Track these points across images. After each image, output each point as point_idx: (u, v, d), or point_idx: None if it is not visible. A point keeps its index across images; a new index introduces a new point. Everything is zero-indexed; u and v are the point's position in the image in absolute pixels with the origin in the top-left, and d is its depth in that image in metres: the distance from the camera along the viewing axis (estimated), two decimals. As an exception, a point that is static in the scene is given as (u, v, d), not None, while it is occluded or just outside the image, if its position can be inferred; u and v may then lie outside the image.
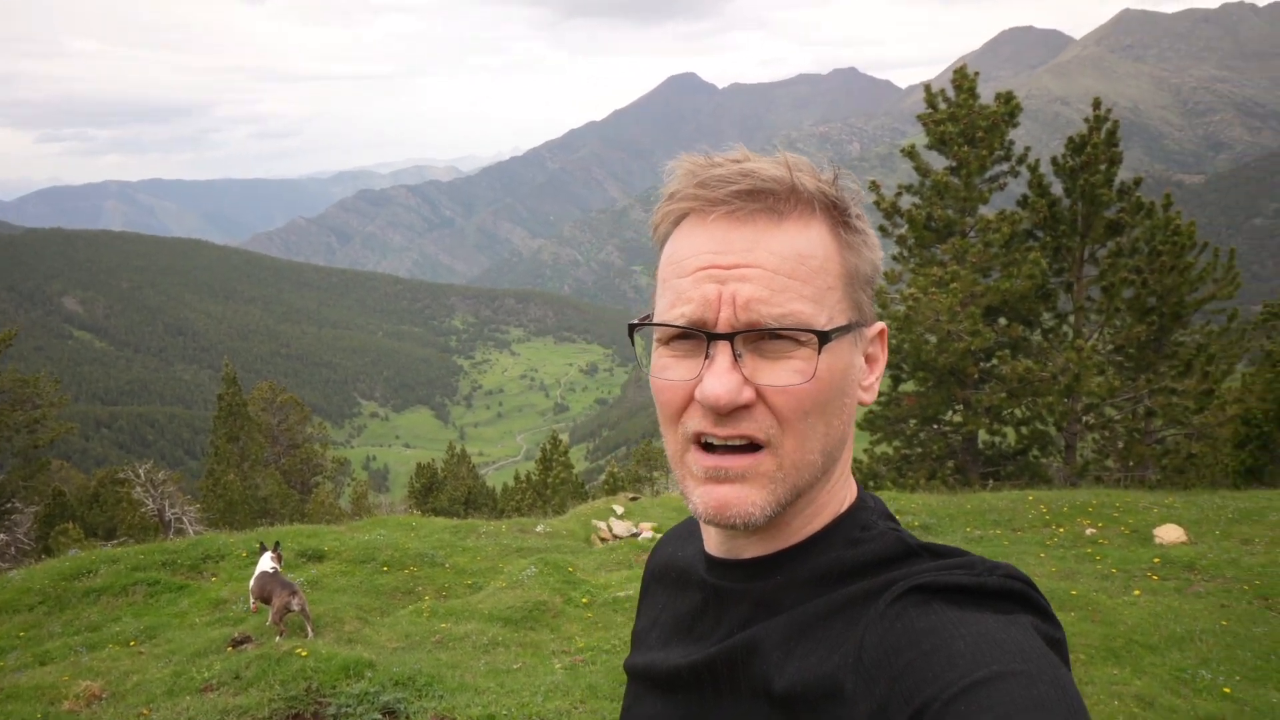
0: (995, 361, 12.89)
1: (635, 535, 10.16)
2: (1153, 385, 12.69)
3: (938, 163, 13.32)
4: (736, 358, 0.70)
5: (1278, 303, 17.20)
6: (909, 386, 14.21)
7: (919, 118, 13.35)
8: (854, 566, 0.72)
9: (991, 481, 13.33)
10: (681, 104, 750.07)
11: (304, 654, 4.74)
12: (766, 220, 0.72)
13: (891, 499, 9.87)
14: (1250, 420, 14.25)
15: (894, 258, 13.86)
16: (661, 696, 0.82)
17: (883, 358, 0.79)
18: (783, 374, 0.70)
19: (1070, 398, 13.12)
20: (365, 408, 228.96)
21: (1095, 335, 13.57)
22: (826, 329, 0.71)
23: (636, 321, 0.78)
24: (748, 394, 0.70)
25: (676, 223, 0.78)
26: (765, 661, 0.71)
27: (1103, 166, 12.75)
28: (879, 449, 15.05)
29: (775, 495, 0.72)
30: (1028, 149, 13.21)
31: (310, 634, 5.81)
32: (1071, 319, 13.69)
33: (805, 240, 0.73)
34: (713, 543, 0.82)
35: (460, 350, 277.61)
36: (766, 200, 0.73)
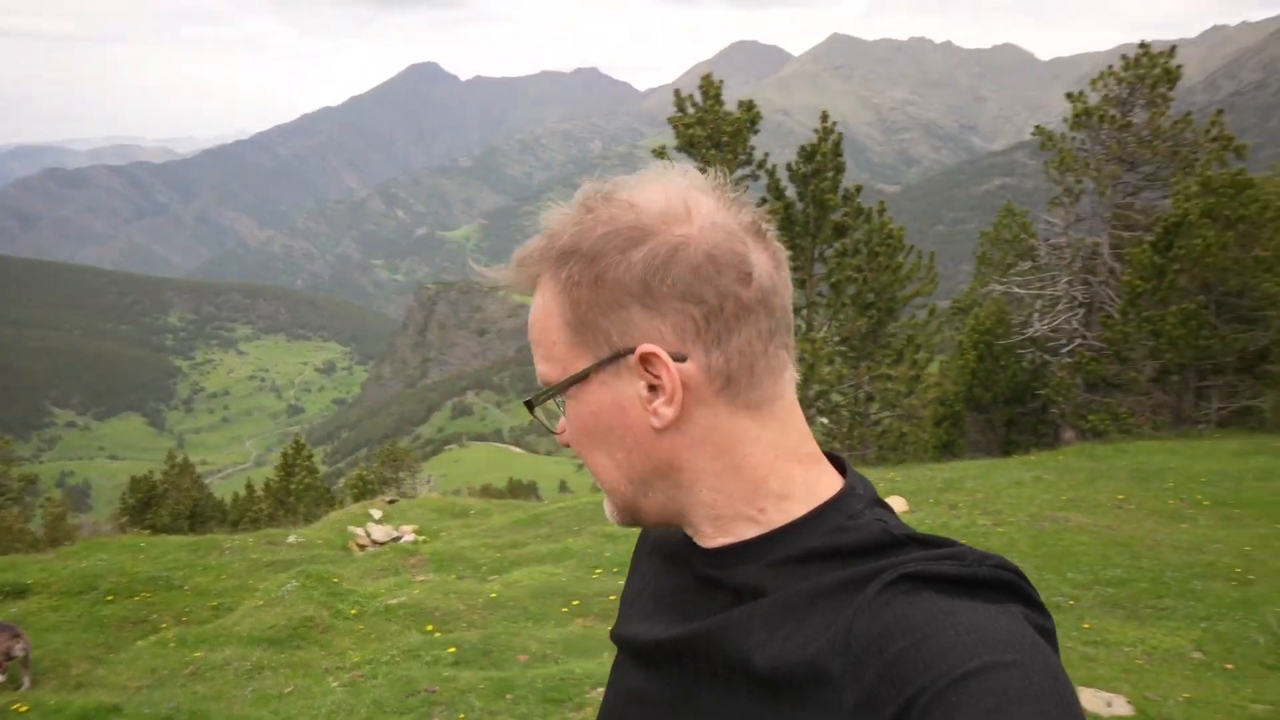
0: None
1: (397, 539, 9.78)
2: (872, 372, 14.21)
3: (686, 164, 13.94)
4: (533, 414, 0.82)
5: (963, 299, 19.90)
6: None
7: (670, 120, 13.96)
8: (840, 552, 0.71)
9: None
10: (424, 93, 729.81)
11: (24, 709, 4.07)
12: (535, 294, 0.79)
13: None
14: (945, 401, 16.35)
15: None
16: (645, 669, 0.83)
17: (665, 379, 0.73)
18: (554, 420, 0.81)
19: (805, 386, 14.34)
20: (59, 417, 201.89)
21: (825, 327, 14.94)
22: (538, 392, 0.79)
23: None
24: (562, 436, 0.81)
25: None
26: (748, 641, 0.71)
27: (830, 174, 14.07)
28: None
29: (613, 505, 0.81)
30: (766, 154, 14.26)
31: (26, 684, 5.00)
32: (805, 313, 14.97)
33: (536, 305, 0.78)
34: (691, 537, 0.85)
35: (178, 350, 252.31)
36: (523, 275, 0.79)
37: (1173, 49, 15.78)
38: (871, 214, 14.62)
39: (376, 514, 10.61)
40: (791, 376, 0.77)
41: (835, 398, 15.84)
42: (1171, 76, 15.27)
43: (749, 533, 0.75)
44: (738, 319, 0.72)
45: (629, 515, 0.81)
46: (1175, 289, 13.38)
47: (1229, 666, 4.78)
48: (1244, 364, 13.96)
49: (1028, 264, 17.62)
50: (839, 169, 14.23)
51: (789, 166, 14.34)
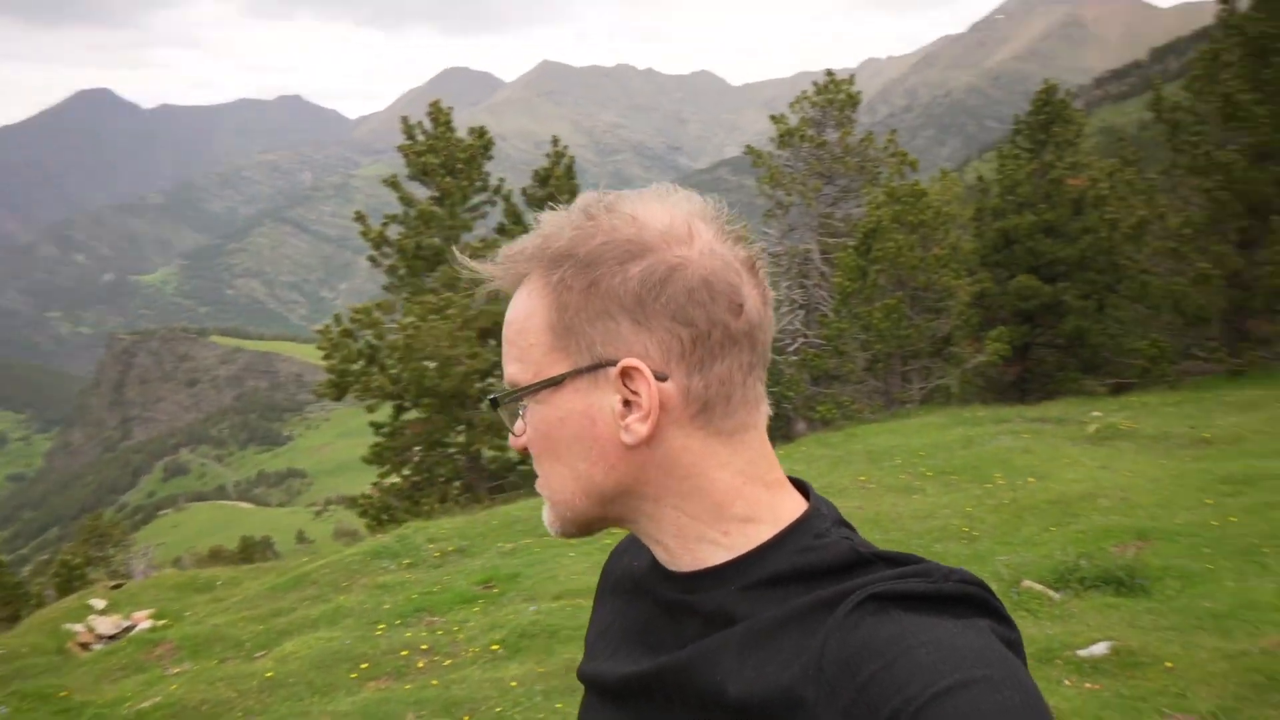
0: (492, 380, 13.64)
1: (130, 629, 8.56)
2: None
3: (421, 192, 13.67)
4: (495, 412, 0.82)
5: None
6: (413, 415, 14.28)
7: (400, 149, 13.56)
8: (808, 575, 0.71)
9: (495, 496, 14.05)
10: (98, 123, 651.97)
11: None
12: (516, 294, 0.79)
13: (420, 529, 9.83)
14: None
15: (385, 288, 13.81)
16: (614, 706, 0.82)
17: (645, 394, 0.72)
18: (515, 422, 0.80)
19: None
20: None
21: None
22: (501, 393, 0.79)
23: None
24: (518, 441, 0.80)
25: None
26: (719, 671, 0.71)
27: (564, 197, 14.20)
28: (389, 481, 14.87)
29: (557, 517, 0.80)
30: (502, 180, 14.30)
31: None
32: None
33: (515, 305, 0.78)
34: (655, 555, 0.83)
35: None
36: (507, 275, 0.78)
37: (851, 77, 17.89)
38: (609, 234, 15.03)
39: (99, 603, 9.21)
40: (765, 410, 0.77)
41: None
42: (854, 101, 17.28)
43: (715, 556, 0.75)
44: (723, 347, 0.73)
45: (578, 527, 0.80)
46: (877, 287, 15.08)
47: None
48: (934, 348, 16.02)
49: (751, 273, 19.08)
50: (573, 191, 14.56)
51: (524, 191, 14.45)
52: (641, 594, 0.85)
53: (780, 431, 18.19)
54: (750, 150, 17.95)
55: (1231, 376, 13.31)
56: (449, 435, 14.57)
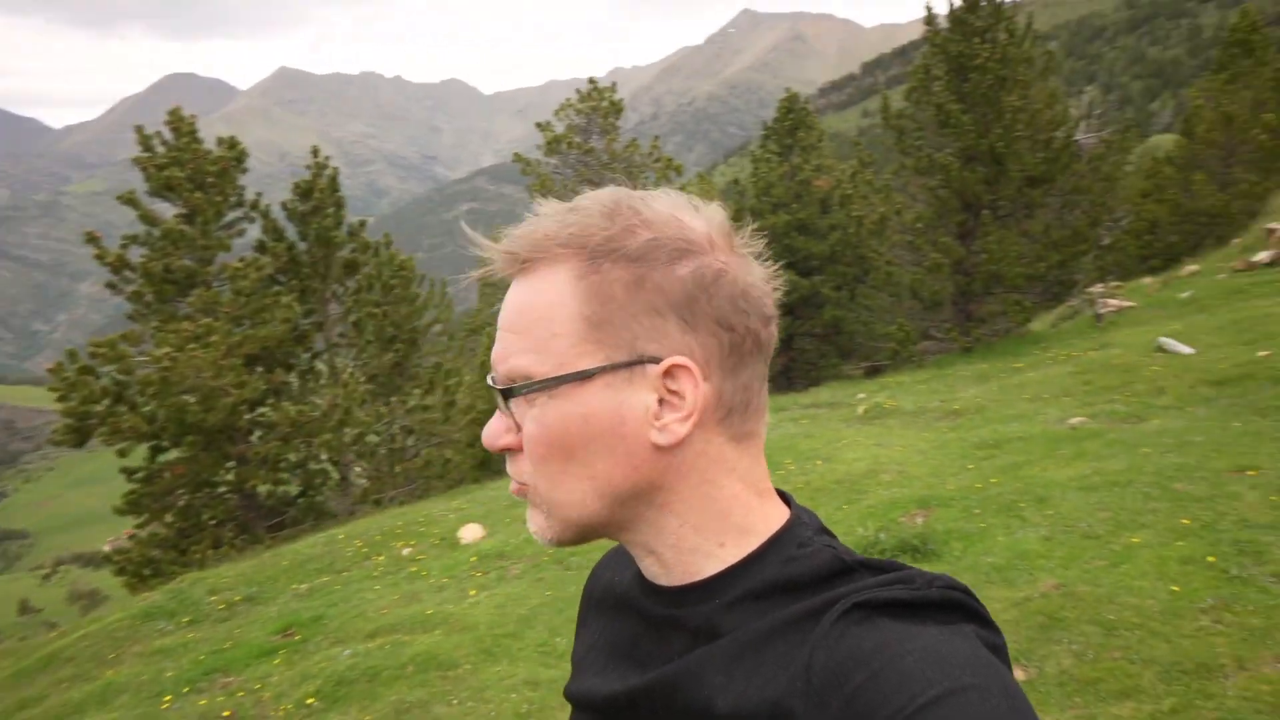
0: (265, 411, 12.64)
1: None
2: (406, 406, 14.08)
3: (165, 210, 12.34)
4: (500, 407, 0.77)
5: (474, 319, 20.74)
6: (174, 455, 12.90)
7: (136, 161, 12.10)
8: (792, 585, 0.72)
9: (276, 534, 13.03)
10: None
11: None
12: (519, 278, 0.76)
13: (197, 580, 8.87)
14: (480, 420, 16.80)
15: (129, 317, 12.36)
16: None
17: (691, 394, 0.72)
18: (526, 423, 0.75)
19: (338, 430, 13.64)
20: None
21: (350, 369, 14.40)
22: (529, 381, 0.73)
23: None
24: (507, 439, 0.76)
25: None
26: (707, 686, 0.71)
27: (331, 210, 13.58)
28: (149, 532, 13.34)
29: (551, 522, 0.76)
30: (259, 194, 13.24)
31: None
32: (326, 356, 14.27)
33: (531, 292, 0.74)
34: (640, 567, 0.81)
35: None
36: (511, 259, 0.75)
37: (613, 85, 18.35)
38: (379, 247, 14.49)
39: None
40: (767, 418, 0.80)
41: (371, 438, 15.40)
42: (616, 108, 17.75)
43: (706, 568, 0.75)
44: (751, 355, 0.75)
45: (576, 533, 0.77)
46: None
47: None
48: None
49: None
50: (339, 204, 13.83)
51: (284, 205, 13.49)
52: (626, 610, 0.84)
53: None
54: (518, 158, 17.90)
55: (964, 353, 15.03)
56: (217, 474, 13.30)
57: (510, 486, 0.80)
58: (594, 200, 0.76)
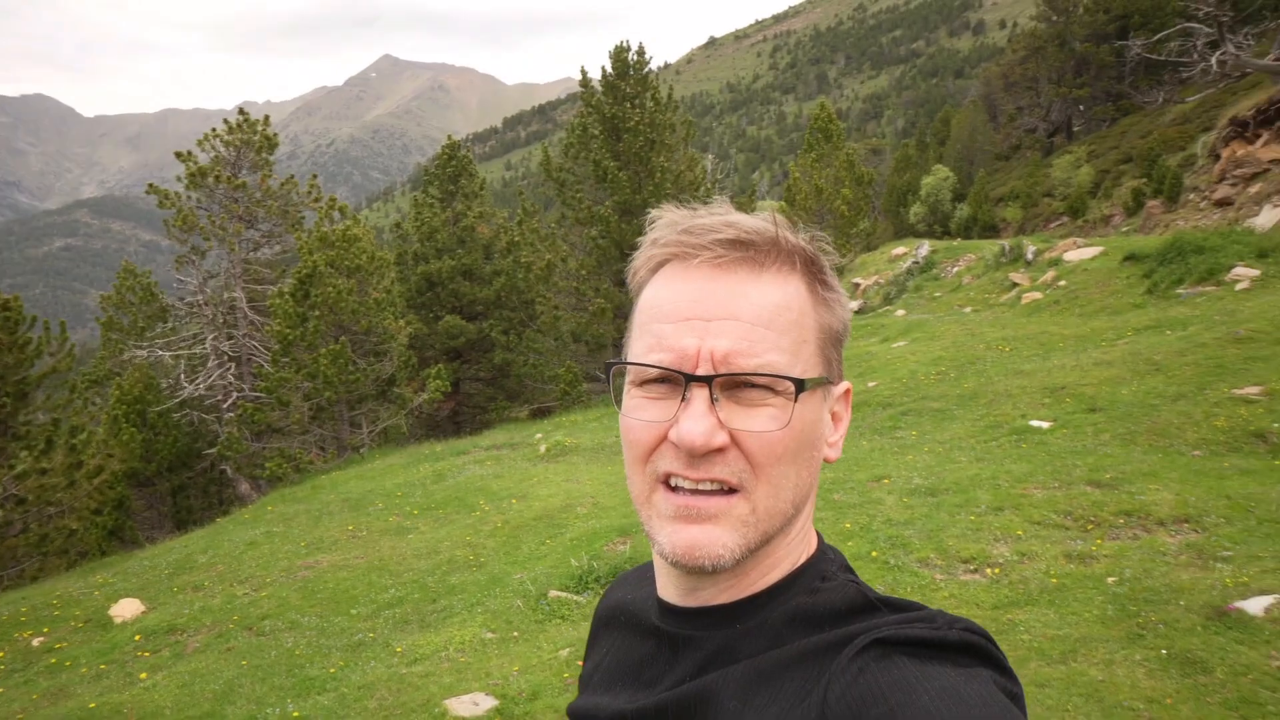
0: None
1: None
2: (16, 471, 11.77)
3: None
4: (713, 402, 0.71)
5: (95, 369, 17.96)
6: None
7: None
8: (813, 617, 0.72)
9: None
10: None
11: None
12: (748, 270, 0.74)
13: None
14: (113, 484, 14.62)
15: None
16: None
17: (847, 416, 0.81)
18: (758, 420, 0.71)
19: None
20: None
21: (-71, 431, 11.70)
22: (801, 379, 0.72)
23: (614, 361, 0.80)
24: (721, 438, 0.71)
25: (656, 269, 0.79)
26: (720, 711, 0.71)
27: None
28: None
29: (746, 539, 0.72)
30: None
31: None
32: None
33: (783, 293, 0.74)
34: (668, 589, 0.80)
35: None
36: (748, 250, 0.74)
37: (266, 118, 17.18)
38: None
39: None
40: None
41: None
42: (271, 143, 16.64)
43: (761, 585, 0.76)
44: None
45: (763, 542, 0.74)
46: (319, 333, 14.72)
47: (514, 634, 5.76)
48: (380, 390, 16.23)
49: (165, 325, 17.00)
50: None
51: None
52: (638, 629, 0.84)
53: (221, 495, 16.51)
54: (153, 189, 16.01)
55: (627, 392, 16.12)
56: None
57: (674, 500, 0.72)
58: (784, 223, 0.79)
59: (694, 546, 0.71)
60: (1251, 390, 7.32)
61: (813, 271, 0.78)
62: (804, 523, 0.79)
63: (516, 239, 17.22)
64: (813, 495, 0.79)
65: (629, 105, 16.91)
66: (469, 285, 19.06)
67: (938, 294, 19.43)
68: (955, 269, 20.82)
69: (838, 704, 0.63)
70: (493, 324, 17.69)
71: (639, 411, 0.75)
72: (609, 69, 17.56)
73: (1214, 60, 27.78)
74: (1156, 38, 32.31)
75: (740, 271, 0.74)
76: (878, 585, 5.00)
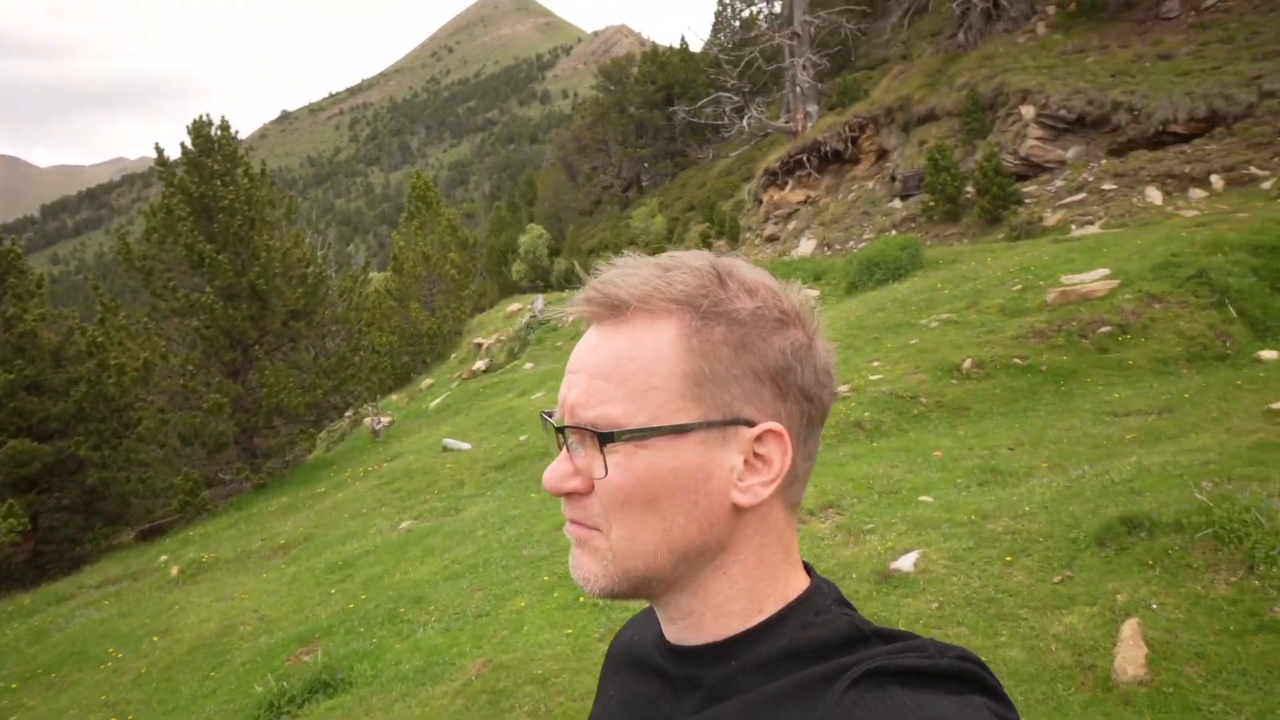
0: None
1: None
2: None
3: None
4: (569, 449, 0.76)
5: None
6: None
7: None
8: (807, 651, 0.73)
9: None
10: None
11: None
12: (609, 326, 0.76)
13: None
14: None
15: None
16: None
17: (779, 461, 0.75)
18: (597, 467, 0.74)
19: None
20: None
21: None
22: (619, 429, 0.73)
23: (545, 412, 0.84)
24: (574, 483, 0.75)
25: None
26: None
27: None
28: None
29: (606, 571, 0.75)
30: None
31: None
32: None
33: (632, 342, 0.74)
34: (664, 629, 0.83)
35: None
36: (610, 306, 0.76)
37: None
38: None
39: None
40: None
41: None
42: None
43: (734, 629, 0.77)
44: (818, 427, 0.79)
45: (633, 586, 0.76)
46: None
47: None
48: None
49: None
50: None
51: None
52: (645, 670, 0.85)
53: None
54: None
55: (258, 490, 14.63)
56: None
57: (565, 527, 0.79)
58: (688, 261, 0.77)
59: (572, 567, 0.77)
60: (842, 389, 8.75)
61: (709, 313, 0.74)
62: (750, 568, 0.77)
63: (99, 339, 14.86)
64: (747, 541, 0.77)
65: (219, 183, 15.58)
66: (37, 400, 15.98)
67: (560, 343, 20.45)
68: (570, 317, 22.10)
69: None
70: (77, 441, 14.98)
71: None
72: (190, 145, 16.06)
73: (745, 122, 32.93)
74: (695, 106, 37.33)
75: (604, 326, 0.76)
76: (594, 630, 5.10)
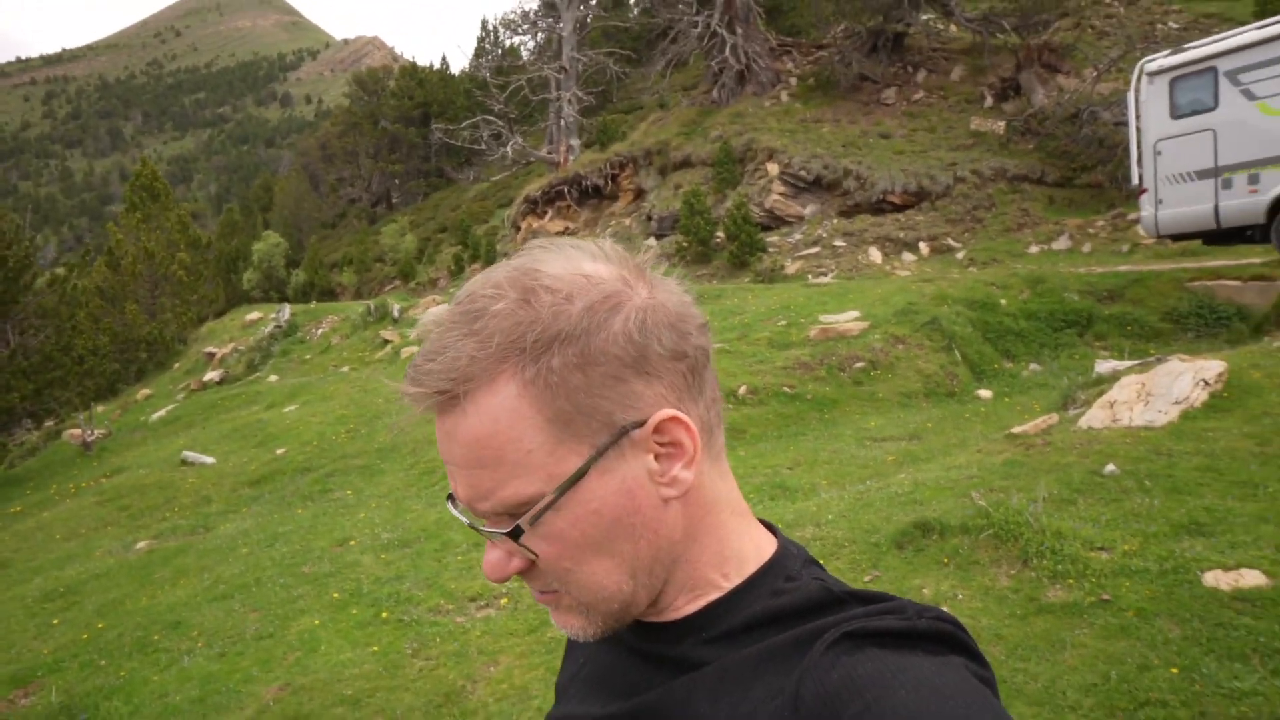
0: None
1: None
2: None
3: None
4: (491, 539, 0.72)
5: None
6: None
7: None
8: (781, 615, 0.71)
9: None
10: None
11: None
12: (450, 411, 0.68)
13: None
14: None
15: None
16: None
17: (687, 439, 0.70)
18: (525, 551, 0.71)
19: None
20: None
21: None
22: (531, 509, 0.68)
23: (450, 494, 0.76)
24: (515, 564, 0.72)
25: None
26: (692, 714, 0.71)
27: None
28: None
29: (592, 620, 0.73)
30: None
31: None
32: None
33: (482, 419, 0.67)
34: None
35: None
36: (436, 397, 0.68)
37: None
38: None
39: None
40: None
41: None
42: None
43: (706, 599, 0.75)
44: (704, 368, 0.74)
45: (619, 618, 0.74)
46: None
47: None
48: None
49: None
50: None
51: None
52: (615, 641, 0.81)
53: None
54: None
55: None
56: None
57: (534, 597, 0.75)
58: (492, 292, 0.69)
59: (559, 626, 0.75)
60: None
61: (536, 350, 0.67)
62: (713, 544, 0.75)
63: None
64: (696, 526, 0.74)
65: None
66: None
67: (308, 356, 19.17)
68: (321, 330, 20.81)
69: (813, 701, 0.62)
70: None
71: None
72: None
73: (509, 149, 33.05)
74: (456, 127, 36.92)
75: (447, 415, 0.68)
76: (404, 644, 4.79)
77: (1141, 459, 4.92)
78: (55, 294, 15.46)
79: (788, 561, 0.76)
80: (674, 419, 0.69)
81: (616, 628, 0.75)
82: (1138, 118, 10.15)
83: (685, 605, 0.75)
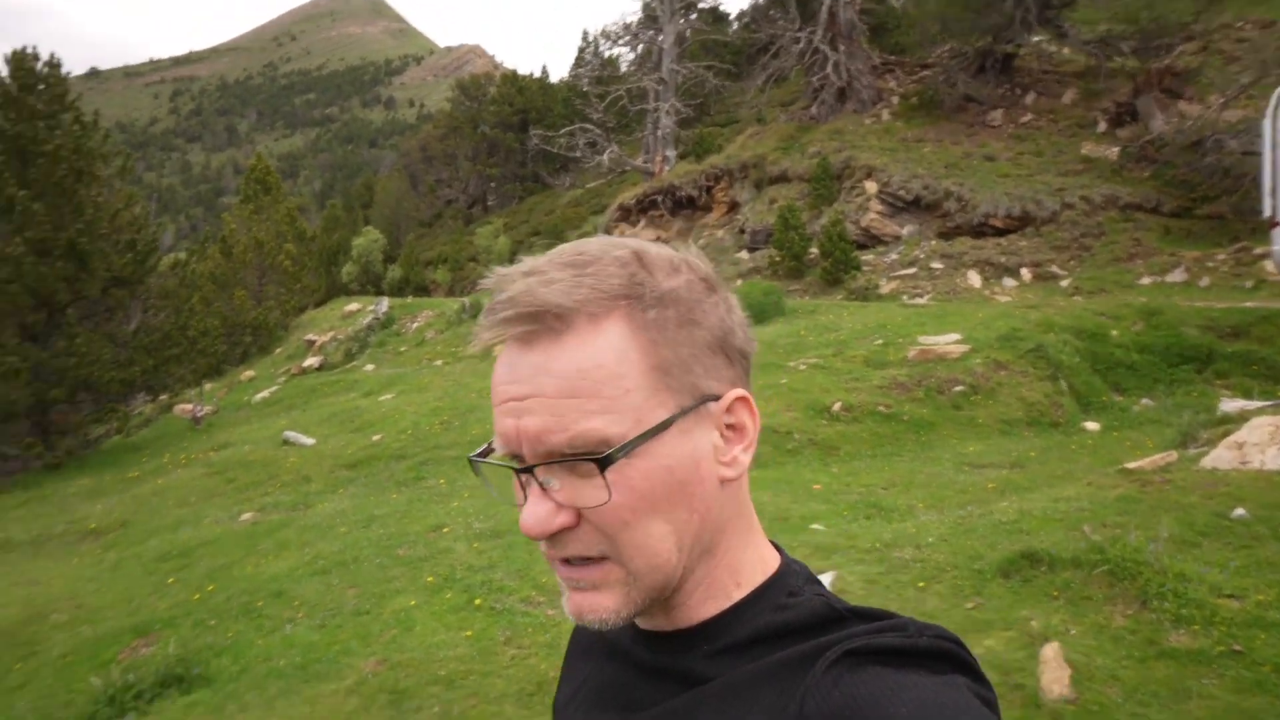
0: None
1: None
2: None
3: None
4: (544, 486, 0.70)
5: None
6: None
7: None
8: (785, 630, 0.72)
9: None
10: None
11: None
12: (547, 340, 0.69)
13: None
14: None
15: None
16: None
17: (750, 425, 0.74)
18: (590, 493, 0.69)
19: None
20: None
21: None
22: (611, 448, 0.67)
23: (473, 456, 0.76)
24: (561, 519, 0.70)
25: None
26: None
27: None
28: None
29: (629, 598, 0.71)
30: None
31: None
32: None
33: (587, 352, 0.68)
34: (638, 619, 0.79)
35: None
36: (542, 320, 0.69)
37: None
38: None
39: None
40: None
41: None
42: None
43: (714, 610, 0.75)
44: (750, 374, 0.78)
45: (655, 597, 0.73)
46: None
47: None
48: None
49: None
50: None
51: None
52: (618, 657, 0.82)
53: None
54: None
55: (51, 469, 13.03)
56: None
57: (559, 573, 0.73)
58: (603, 252, 0.72)
59: (580, 611, 0.72)
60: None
61: (632, 305, 0.70)
62: (733, 546, 0.76)
63: None
64: (732, 519, 0.75)
65: (41, 125, 13.99)
66: None
67: (403, 348, 19.69)
68: (416, 324, 21.37)
69: (815, 717, 0.63)
70: None
71: (515, 497, 0.73)
72: (7, 79, 14.34)
73: (605, 157, 33.42)
74: (551, 134, 37.51)
75: (541, 343, 0.69)
76: (497, 631, 4.88)
77: (1276, 505, 4.66)
78: (176, 277, 16.30)
79: (790, 578, 0.77)
80: (744, 400, 0.74)
81: (648, 609, 0.73)
82: (1273, 147, 9.63)
83: (697, 607, 0.75)
